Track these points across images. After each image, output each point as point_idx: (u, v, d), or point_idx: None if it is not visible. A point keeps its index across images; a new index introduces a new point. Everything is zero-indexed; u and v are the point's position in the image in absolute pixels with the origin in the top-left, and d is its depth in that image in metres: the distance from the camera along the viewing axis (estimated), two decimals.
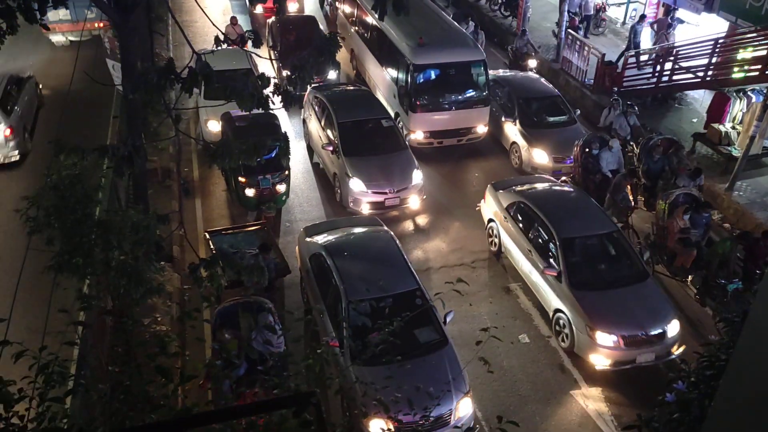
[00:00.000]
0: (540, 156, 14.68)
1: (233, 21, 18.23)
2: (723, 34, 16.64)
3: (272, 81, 7.51)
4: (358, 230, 11.48)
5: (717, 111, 15.31)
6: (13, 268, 8.41)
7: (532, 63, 18.60)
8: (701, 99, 17.38)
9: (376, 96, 16.14)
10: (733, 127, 14.95)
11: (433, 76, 15.37)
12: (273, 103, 7.65)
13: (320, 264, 10.40)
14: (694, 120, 16.72)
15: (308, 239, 11.12)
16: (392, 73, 16.07)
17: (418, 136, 15.23)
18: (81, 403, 6.26)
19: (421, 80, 15.12)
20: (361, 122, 14.38)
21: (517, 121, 15.29)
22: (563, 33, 19.02)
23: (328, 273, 10.04)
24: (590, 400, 9.85)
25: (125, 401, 4.64)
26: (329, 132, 14.21)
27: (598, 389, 9.98)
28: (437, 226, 13.63)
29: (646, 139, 13.73)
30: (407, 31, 15.62)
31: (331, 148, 13.84)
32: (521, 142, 15.07)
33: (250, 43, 10.92)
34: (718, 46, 16.00)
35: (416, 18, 16.19)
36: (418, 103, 15.02)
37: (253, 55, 15.70)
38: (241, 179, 12.73)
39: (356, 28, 18.90)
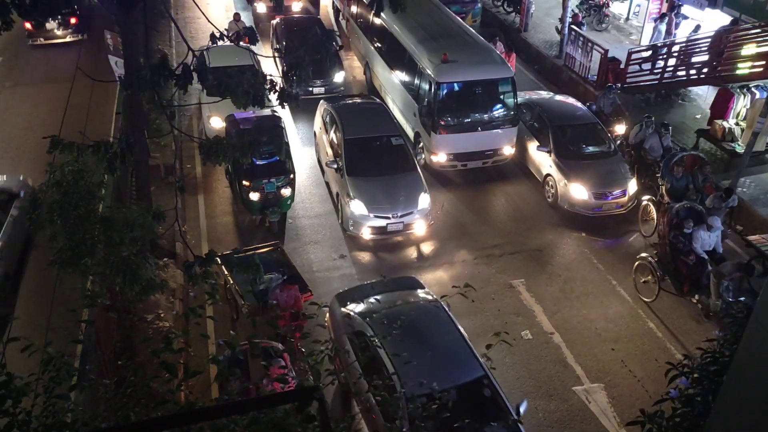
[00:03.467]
0: (578, 192, 13.30)
1: (236, 17, 18.22)
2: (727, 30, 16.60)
3: (269, 78, 7.44)
4: (402, 300, 9.60)
5: (720, 107, 15.28)
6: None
7: (620, 129, 15.19)
8: (705, 95, 17.35)
9: (388, 111, 15.03)
10: (737, 124, 14.92)
11: (458, 95, 14.43)
12: (269, 101, 7.60)
13: (364, 345, 8.55)
14: (698, 116, 16.70)
15: (344, 310, 9.48)
16: (413, 90, 15.10)
17: (440, 158, 14.31)
18: (86, 398, 6.28)
19: (445, 99, 14.13)
20: (368, 140, 13.53)
21: (552, 151, 14.04)
22: (566, 29, 18.98)
23: (376, 358, 8.24)
24: (593, 396, 9.86)
25: (130, 396, 4.66)
26: (335, 148, 13.52)
27: (600, 385, 9.98)
28: (441, 226, 13.63)
29: (670, 155, 12.93)
30: (430, 46, 14.83)
31: (334, 166, 13.13)
32: (557, 176, 13.72)
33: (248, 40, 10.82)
34: (722, 42, 15.96)
35: (439, 31, 15.71)
36: (441, 123, 14.05)
37: (256, 52, 15.67)
38: (245, 183, 12.39)
39: (371, 40, 17.81)
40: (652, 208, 12.90)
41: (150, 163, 13.02)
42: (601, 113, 15.45)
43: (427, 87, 14.31)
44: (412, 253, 12.77)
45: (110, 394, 4.88)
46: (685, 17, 19.10)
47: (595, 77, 17.91)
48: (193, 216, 13.40)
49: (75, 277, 8.01)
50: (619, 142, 14.71)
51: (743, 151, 13.65)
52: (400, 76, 15.91)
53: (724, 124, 14.80)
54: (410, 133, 15.36)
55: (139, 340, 8.72)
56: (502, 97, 14.60)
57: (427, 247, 12.92)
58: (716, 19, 17.32)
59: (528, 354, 10.52)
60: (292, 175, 12.87)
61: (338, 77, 17.28)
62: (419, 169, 13.36)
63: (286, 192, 12.65)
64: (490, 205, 14.28)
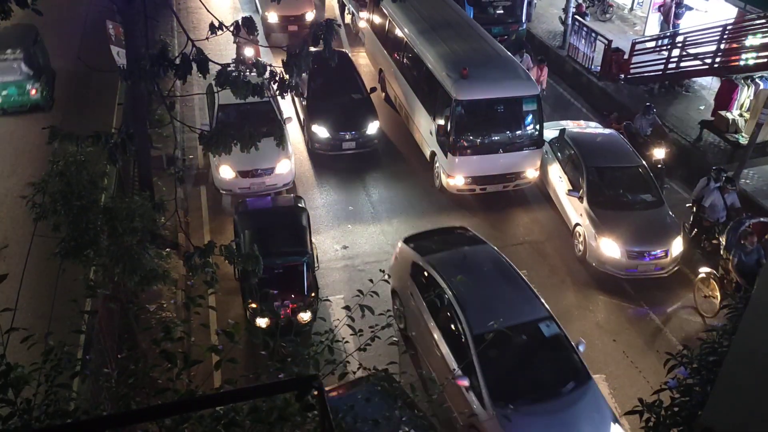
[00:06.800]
0: (610, 249, 11.42)
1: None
2: (731, 21, 16.53)
3: (269, 69, 7.44)
4: None
5: (724, 98, 15.23)
6: (20, 254, 8.48)
7: (659, 153, 13.61)
8: (709, 86, 17.28)
9: (512, 265, 9.99)
10: (741, 115, 14.87)
11: (478, 113, 13.21)
12: (269, 92, 7.59)
13: None
14: (702, 107, 16.62)
15: None
16: (429, 105, 13.79)
17: (457, 181, 13.13)
18: (88, 387, 6.33)
19: (464, 117, 12.91)
20: (510, 331, 8.14)
21: (585, 197, 12.22)
22: (570, 19, 18.90)
23: None
24: None
25: (132, 386, 4.69)
26: (455, 345, 8.85)
27: (602, 376, 9.99)
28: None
29: (735, 223, 10.91)
30: (448, 59, 13.60)
31: (465, 384, 8.42)
32: (587, 227, 11.87)
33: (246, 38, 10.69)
34: (727, 32, 15.89)
35: (458, 42, 14.42)
36: (462, 143, 12.89)
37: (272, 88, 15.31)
38: (252, 305, 9.88)
39: (387, 47, 16.69)
40: (716, 285, 10.77)
41: (152, 154, 13.02)
42: (639, 135, 14.11)
43: (444, 103, 13.07)
44: None
45: (111, 383, 4.92)
46: (690, 8, 18.98)
47: (599, 68, 17.85)
48: (195, 206, 13.44)
49: (77, 267, 8.05)
50: (660, 166, 13.38)
51: (747, 142, 13.61)
52: (416, 89, 14.66)
53: (728, 115, 14.75)
54: (426, 153, 14.34)
55: (140, 330, 8.77)
56: (526, 116, 13.38)
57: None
58: (723, 10, 17.26)
59: None
60: (313, 294, 10.14)
61: (372, 128, 14.66)
62: (593, 379, 8.79)
63: (304, 317, 9.82)
64: (492, 199, 14.20)
